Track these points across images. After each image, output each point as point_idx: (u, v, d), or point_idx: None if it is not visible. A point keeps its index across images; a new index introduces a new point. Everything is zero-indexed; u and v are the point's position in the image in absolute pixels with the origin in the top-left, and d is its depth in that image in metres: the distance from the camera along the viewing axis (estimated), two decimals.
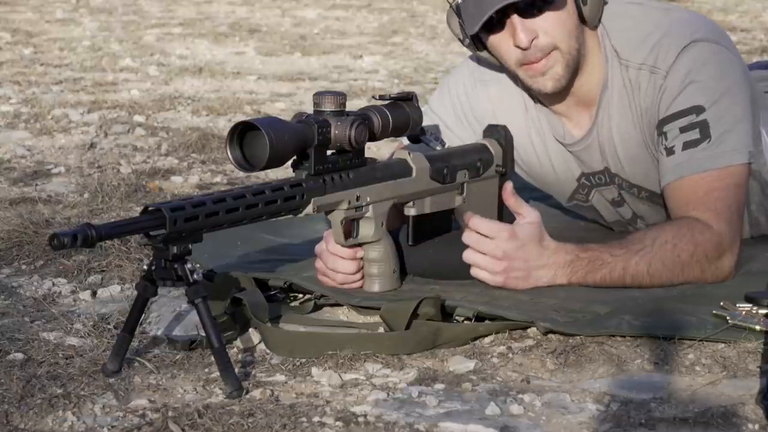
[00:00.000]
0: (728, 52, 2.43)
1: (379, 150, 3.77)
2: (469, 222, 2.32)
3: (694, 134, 2.38)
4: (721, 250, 2.36)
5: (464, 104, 2.61)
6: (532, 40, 2.34)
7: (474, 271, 2.33)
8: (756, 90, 2.54)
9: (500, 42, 2.39)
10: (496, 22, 2.36)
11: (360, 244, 2.33)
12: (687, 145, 2.38)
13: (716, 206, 2.36)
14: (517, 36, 2.35)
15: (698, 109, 2.38)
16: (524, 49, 2.36)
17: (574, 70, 2.42)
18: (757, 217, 2.65)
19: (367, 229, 2.31)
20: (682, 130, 2.39)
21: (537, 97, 2.53)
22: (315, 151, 2.17)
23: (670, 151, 2.40)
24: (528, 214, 2.33)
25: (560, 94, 2.47)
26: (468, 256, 2.33)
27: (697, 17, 2.52)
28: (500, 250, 2.29)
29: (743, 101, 2.41)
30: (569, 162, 2.58)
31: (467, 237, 2.33)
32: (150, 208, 1.95)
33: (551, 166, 2.60)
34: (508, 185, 2.41)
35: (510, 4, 2.31)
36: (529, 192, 2.82)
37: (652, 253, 2.32)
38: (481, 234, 2.31)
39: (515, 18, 2.34)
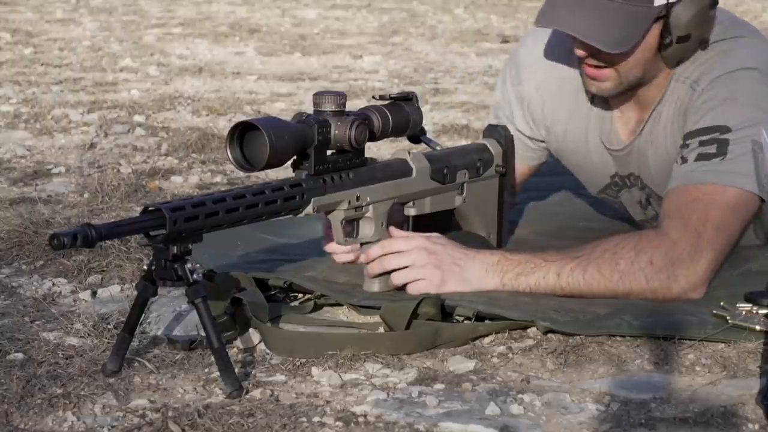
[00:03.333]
0: None
1: (379, 150, 3.77)
2: (379, 247, 2.30)
3: (711, 149, 2.31)
4: (673, 259, 2.25)
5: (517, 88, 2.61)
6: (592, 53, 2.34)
7: (410, 287, 2.28)
8: None
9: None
10: None
11: (360, 244, 2.33)
12: (700, 157, 2.32)
13: (688, 216, 2.27)
14: (575, 47, 2.35)
15: (724, 129, 2.32)
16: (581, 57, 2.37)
17: (628, 89, 2.40)
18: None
19: (367, 229, 2.31)
20: (702, 143, 2.33)
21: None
22: (315, 151, 2.17)
23: (683, 160, 2.34)
24: (430, 234, 2.33)
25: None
26: (397, 277, 2.29)
27: (760, 50, 2.42)
28: (423, 251, 2.27)
29: None
30: (607, 160, 2.56)
31: (382, 263, 2.29)
32: (150, 208, 1.95)
33: (591, 160, 2.58)
34: (392, 229, 2.34)
35: None
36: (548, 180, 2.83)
37: (588, 260, 2.25)
38: (396, 252, 2.29)
39: None
